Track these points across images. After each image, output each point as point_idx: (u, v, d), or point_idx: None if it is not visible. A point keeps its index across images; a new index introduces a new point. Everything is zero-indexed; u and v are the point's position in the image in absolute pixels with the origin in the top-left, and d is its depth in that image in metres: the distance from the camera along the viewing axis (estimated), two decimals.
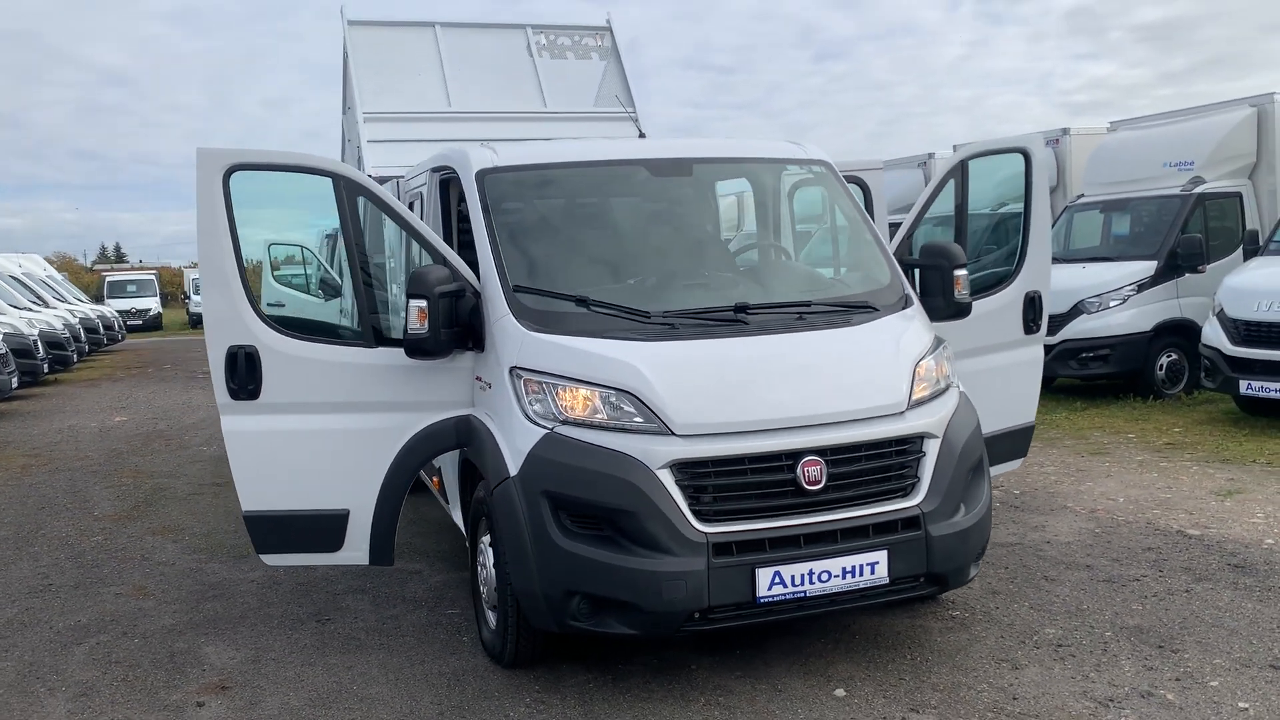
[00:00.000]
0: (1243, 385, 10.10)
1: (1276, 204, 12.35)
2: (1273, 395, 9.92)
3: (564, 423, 4.56)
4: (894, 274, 5.49)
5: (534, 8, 63.58)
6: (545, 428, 4.58)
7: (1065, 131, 15.43)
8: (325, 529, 5.20)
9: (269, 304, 18.42)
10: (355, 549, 5.24)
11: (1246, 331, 10.10)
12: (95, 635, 5.78)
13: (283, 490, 5.15)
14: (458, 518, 6.03)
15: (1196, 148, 12.67)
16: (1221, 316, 10.41)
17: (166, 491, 9.63)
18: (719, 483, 4.43)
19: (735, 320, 4.93)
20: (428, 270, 4.94)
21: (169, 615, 6.07)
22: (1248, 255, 11.61)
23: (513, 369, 4.78)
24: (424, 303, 4.88)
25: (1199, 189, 12.32)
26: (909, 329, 5.12)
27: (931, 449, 4.75)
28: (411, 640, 5.49)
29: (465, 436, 5.15)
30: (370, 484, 5.16)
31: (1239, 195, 12.53)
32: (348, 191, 5.11)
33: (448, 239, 5.97)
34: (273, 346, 5.05)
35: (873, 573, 4.52)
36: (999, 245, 11.52)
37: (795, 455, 4.48)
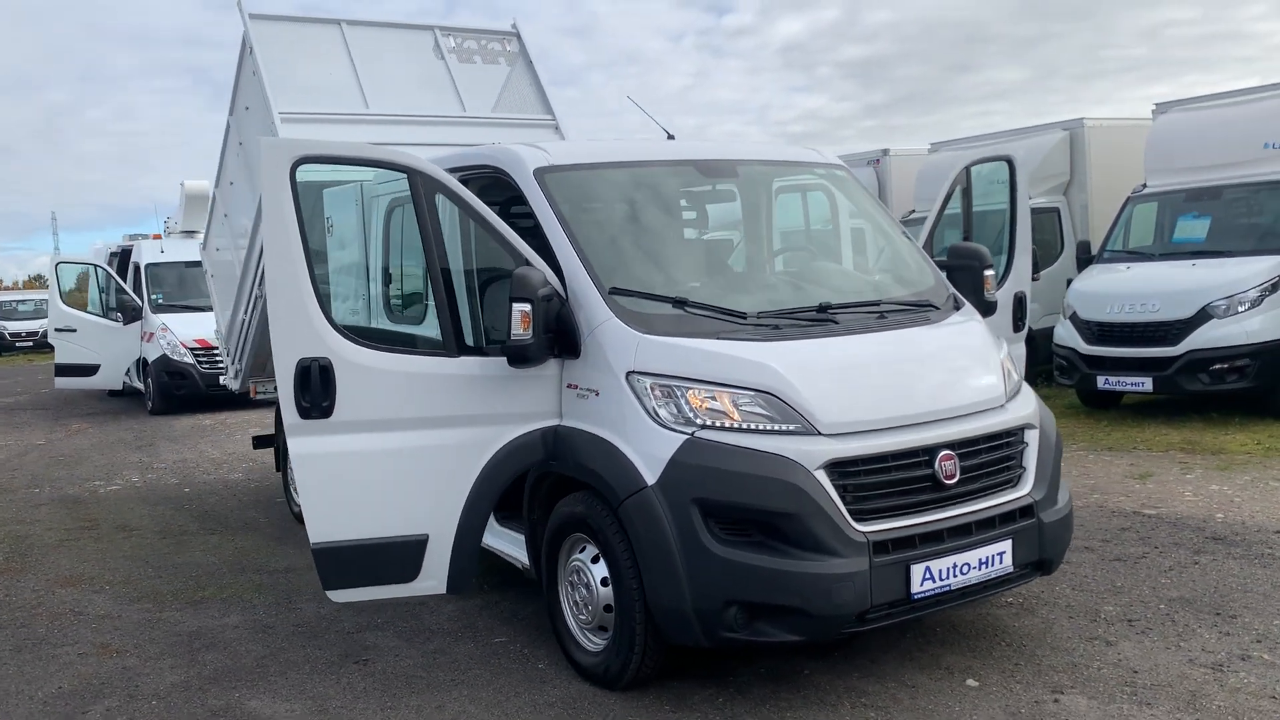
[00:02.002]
0: (1099, 380, 11.04)
1: None
2: (1124, 388, 10.92)
3: (703, 427, 4.38)
4: (936, 275, 5.63)
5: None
6: (684, 433, 4.38)
7: (885, 152, 16.34)
8: (402, 558, 4.74)
9: (57, 329, 16.83)
10: (432, 577, 4.80)
11: (1100, 331, 11.04)
12: (96, 702, 5.00)
13: (357, 518, 4.66)
14: (501, 544, 5.65)
15: None
16: (1074, 318, 11.35)
17: (30, 540, 8.47)
18: (868, 481, 4.38)
19: (826, 319, 4.91)
20: (529, 273, 4.61)
21: (170, 673, 5.34)
22: None
23: (630, 374, 4.55)
24: (528, 307, 4.56)
25: None
26: (981, 326, 5.27)
27: (1032, 439, 4.90)
28: (483, 673, 5.09)
29: (555, 449, 4.85)
30: (452, 506, 4.76)
31: None
32: (426, 189, 4.70)
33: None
34: (348, 358, 4.57)
35: (1001, 562, 4.61)
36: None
37: (932, 450, 4.50)
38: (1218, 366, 10.39)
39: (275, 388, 9.63)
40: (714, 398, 4.44)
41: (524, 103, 9.39)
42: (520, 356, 4.62)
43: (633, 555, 4.49)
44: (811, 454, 4.29)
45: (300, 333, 4.50)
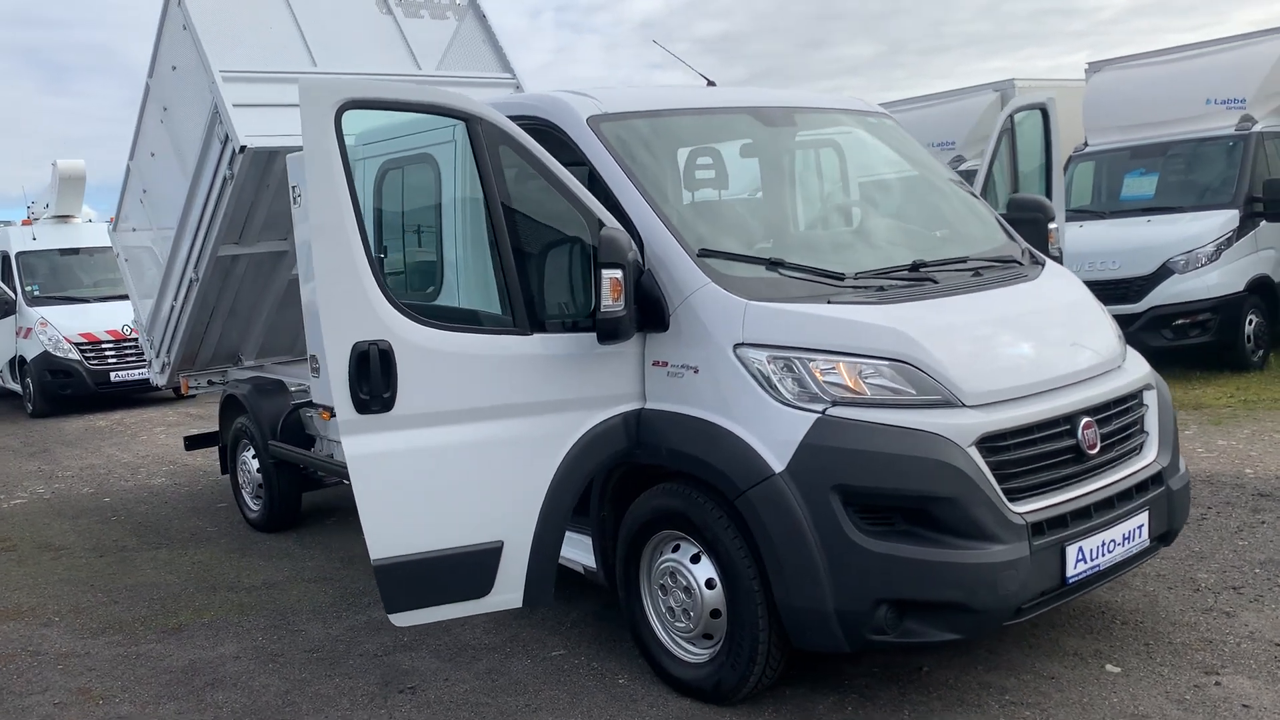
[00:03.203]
0: None
1: None
2: None
3: (835, 404, 3.84)
4: (1006, 229, 5.21)
5: None
6: (813, 411, 3.83)
7: None
8: (475, 570, 4.07)
9: None
10: (508, 590, 4.15)
11: None
12: None
13: (424, 527, 3.97)
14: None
15: (1244, 82, 11.24)
16: None
17: None
18: (1018, 456, 3.91)
19: (924, 279, 4.42)
20: (618, 235, 3.98)
21: (178, 719, 4.54)
22: None
23: (739, 345, 3.97)
24: (619, 273, 3.94)
25: (1256, 128, 11.05)
26: (1080, 282, 4.88)
27: (1152, 401, 4.53)
28: (559, 695, 4.46)
29: (640, 436, 4.25)
30: (528, 506, 4.11)
31: None
32: (489, 139, 4.02)
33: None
34: (410, 340, 3.87)
35: (1140, 536, 4.23)
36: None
37: (1073, 418, 4.07)
38: (1181, 321, 10.37)
39: (211, 381, 8.87)
40: (834, 369, 3.90)
41: (476, 60, 8.62)
42: (612, 331, 3.99)
43: (751, 553, 3.94)
44: (963, 428, 3.79)
45: (355, 311, 3.78)
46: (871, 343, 3.91)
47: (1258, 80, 11.29)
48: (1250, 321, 10.61)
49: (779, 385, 3.88)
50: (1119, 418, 4.29)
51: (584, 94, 4.69)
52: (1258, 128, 11.15)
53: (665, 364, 4.20)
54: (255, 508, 7.69)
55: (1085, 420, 4.09)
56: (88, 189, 17.12)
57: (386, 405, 3.83)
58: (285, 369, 8.52)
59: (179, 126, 7.85)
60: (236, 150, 6.88)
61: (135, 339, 14.83)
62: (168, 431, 12.60)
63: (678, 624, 4.29)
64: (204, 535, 7.70)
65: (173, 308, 8.35)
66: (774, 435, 3.85)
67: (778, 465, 3.81)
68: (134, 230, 9.09)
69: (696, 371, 4.08)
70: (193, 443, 8.86)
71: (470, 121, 4.00)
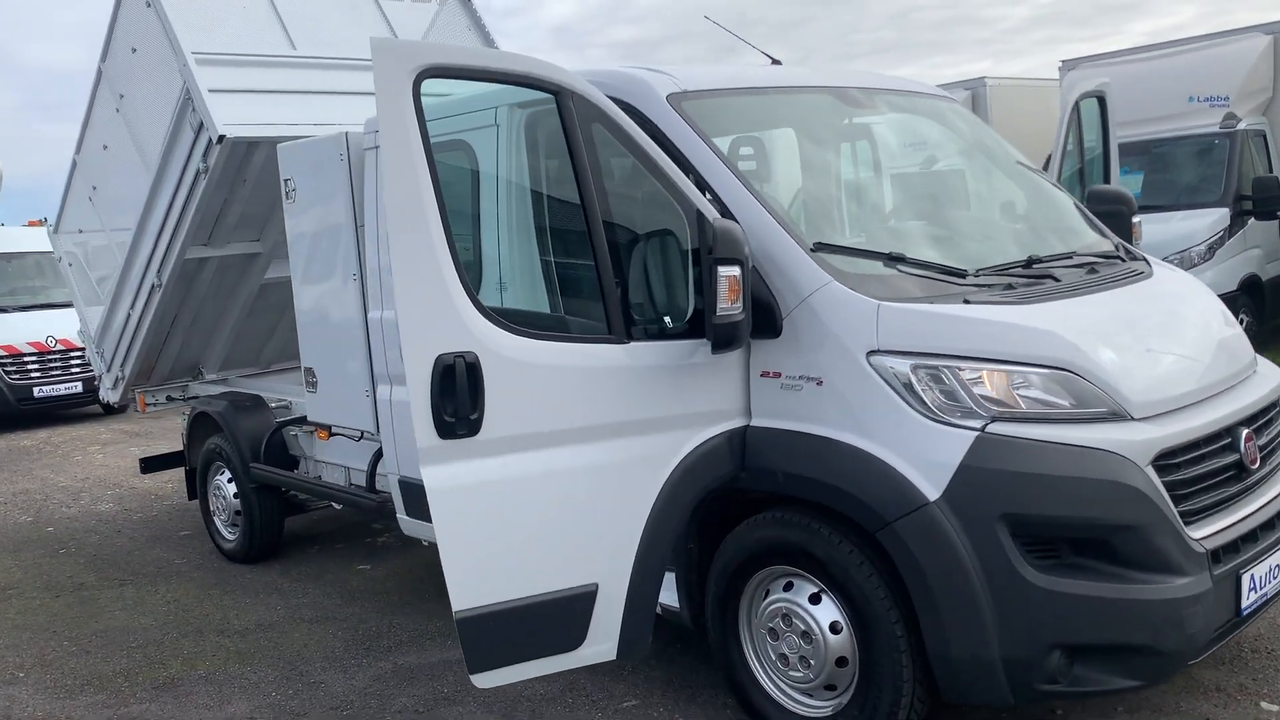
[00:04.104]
0: None
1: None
2: None
3: (995, 419, 3.34)
4: (1094, 222, 4.80)
5: None
6: (970, 428, 3.33)
7: None
8: (567, 618, 3.50)
9: None
10: (602, 640, 3.58)
11: None
12: None
13: (513, 571, 3.39)
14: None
15: (1225, 81, 11.08)
16: None
17: None
18: (1189, 474, 3.47)
19: (1044, 275, 3.97)
20: (733, 227, 3.44)
21: None
22: None
23: (873, 353, 3.46)
24: (737, 270, 3.39)
25: (1240, 126, 10.87)
26: (1195, 280, 4.49)
27: None
28: None
29: (747, 458, 3.72)
30: (625, 540, 3.55)
31: (1263, 134, 11.28)
32: (581, 116, 3.44)
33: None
34: (499, 352, 3.28)
35: None
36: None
37: (1233, 430, 3.65)
38: None
39: (170, 397, 8.06)
40: (980, 380, 3.41)
41: (459, 44, 7.98)
42: (729, 337, 3.45)
43: (891, 592, 3.43)
44: (1139, 445, 3.33)
45: (439, 318, 3.19)
46: (1028, 349, 3.43)
47: (1240, 77, 11.18)
48: (1241, 321, 10.45)
49: (926, 398, 3.38)
50: (1269, 427, 3.88)
51: (658, 70, 4.14)
52: (1242, 125, 11.02)
53: (777, 375, 3.66)
54: (231, 537, 6.95)
55: (1245, 432, 3.66)
56: None
57: (473, 428, 3.24)
58: (253, 383, 7.80)
59: (139, 116, 7.08)
60: (214, 140, 6.17)
61: (61, 350, 13.85)
62: (104, 451, 11.65)
63: (792, 673, 3.75)
64: (173, 569, 6.93)
65: (129, 316, 7.55)
66: (924, 456, 3.34)
67: (932, 492, 3.30)
68: (80, 232, 8.24)
69: (820, 384, 3.55)
70: (150, 465, 8.06)
71: (561, 95, 3.42)
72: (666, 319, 3.62)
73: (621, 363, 3.48)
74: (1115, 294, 3.96)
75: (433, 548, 5.48)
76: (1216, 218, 10.42)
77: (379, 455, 5.51)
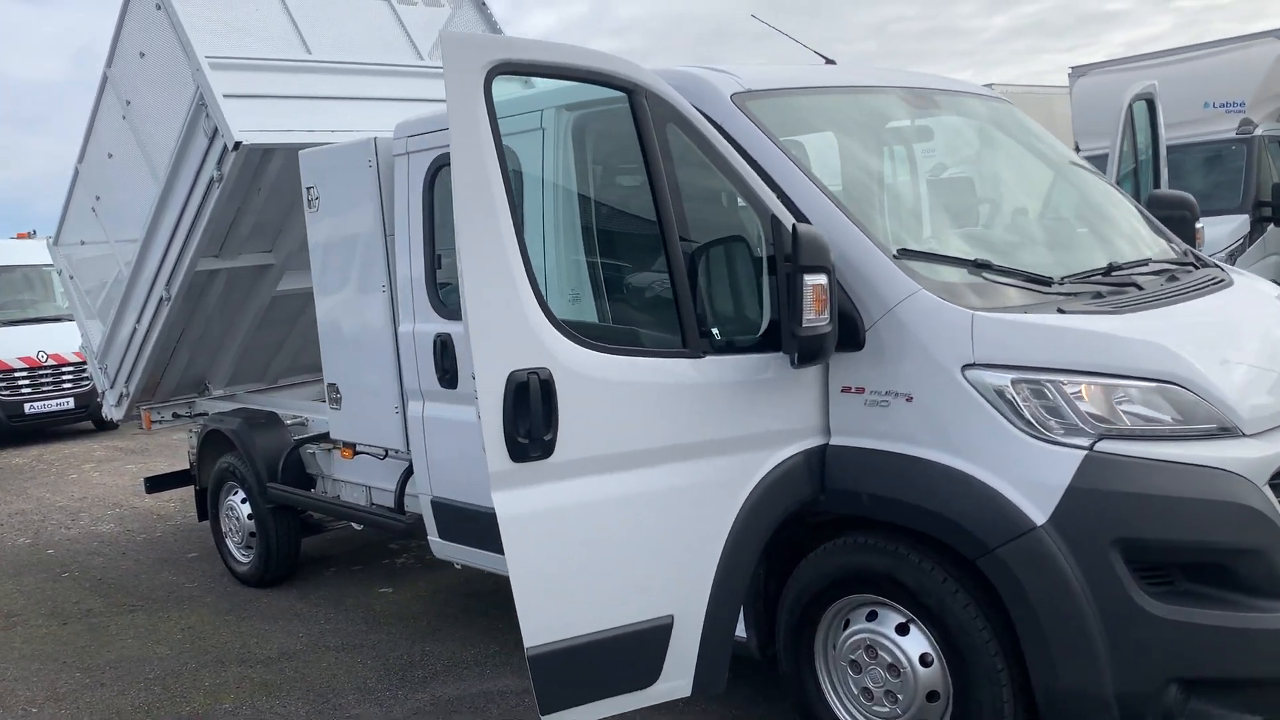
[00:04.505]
0: None
1: None
2: None
3: (1103, 437, 3.13)
4: (1159, 227, 4.60)
5: None
6: (1078, 446, 3.11)
7: None
8: (641, 653, 3.27)
9: None
10: (677, 676, 3.34)
11: None
12: None
13: (587, 603, 3.15)
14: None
15: (1241, 86, 10.96)
16: None
17: None
18: None
19: (1127, 283, 3.77)
20: (817, 232, 3.22)
21: None
22: None
23: (969, 366, 3.24)
24: (824, 278, 3.17)
25: (1257, 131, 10.78)
26: (1274, 286, 4.31)
27: None
28: None
29: (827, 479, 3.49)
30: (702, 568, 3.33)
31: None
32: (656, 116, 3.22)
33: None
34: (572, 367, 3.06)
35: None
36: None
37: None
38: None
39: (176, 414, 7.79)
40: (1080, 395, 3.20)
41: None
42: (815, 350, 3.23)
43: (990, 622, 3.20)
44: (1255, 463, 3.13)
45: (512, 331, 2.96)
46: (1132, 361, 3.22)
47: (1256, 83, 11.08)
48: None
49: (1028, 415, 3.16)
50: None
51: (718, 69, 3.93)
52: (1259, 130, 10.91)
53: (861, 390, 3.44)
54: (244, 559, 6.68)
55: None
56: None
57: (546, 450, 3.00)
58: (264, 398, 7.54)
59: (147, 122, 6.82)
60: (230, 147, 5.92)
61: (53, 366, 13.54)
62: (100, 469, 11.33)
63: (877, 709, 3.52)
64: (184, 593, 6.65)
65: (135, 330, 7.28)
66: (1027, 477, 3.12)
67: (1038, 515, 3.08)
68: (82, 244, 7.96)
69: (909, 399, 3.33)
70: (156, 484, 7.77)
71: (635, 94, 3.21)
72: (741, 332, 3.40)
73: (696, 379, 3.26)
74: (1203, 303, 3.76)
75: (466, 571, 5.27)
76: (1236, 225, 10.30)
77: (407, 474, 5.27)
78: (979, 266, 3.54)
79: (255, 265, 7.02)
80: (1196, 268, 4.24)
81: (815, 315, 3.16)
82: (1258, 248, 10.35)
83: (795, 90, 3.99)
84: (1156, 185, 5.69)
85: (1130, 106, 5.49)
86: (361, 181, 5.16)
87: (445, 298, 4.80)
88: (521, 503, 3.01)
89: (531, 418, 2.96)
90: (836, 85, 4.17)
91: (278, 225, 6.85)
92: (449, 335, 4.70)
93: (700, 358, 3.27)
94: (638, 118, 3.21)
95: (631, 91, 3.20)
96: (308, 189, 5.55)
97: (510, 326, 2.95)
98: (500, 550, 4.52)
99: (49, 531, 8.67)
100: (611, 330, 3.49)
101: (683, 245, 3.26)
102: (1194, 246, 4.75)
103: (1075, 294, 3.57)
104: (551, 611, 3.08)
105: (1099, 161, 11.41)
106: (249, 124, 6.02)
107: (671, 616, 3.28)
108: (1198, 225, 4.82)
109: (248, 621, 5.99)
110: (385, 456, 5.47)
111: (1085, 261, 3.95)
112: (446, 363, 4.74)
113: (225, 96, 6.04)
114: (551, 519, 3.06)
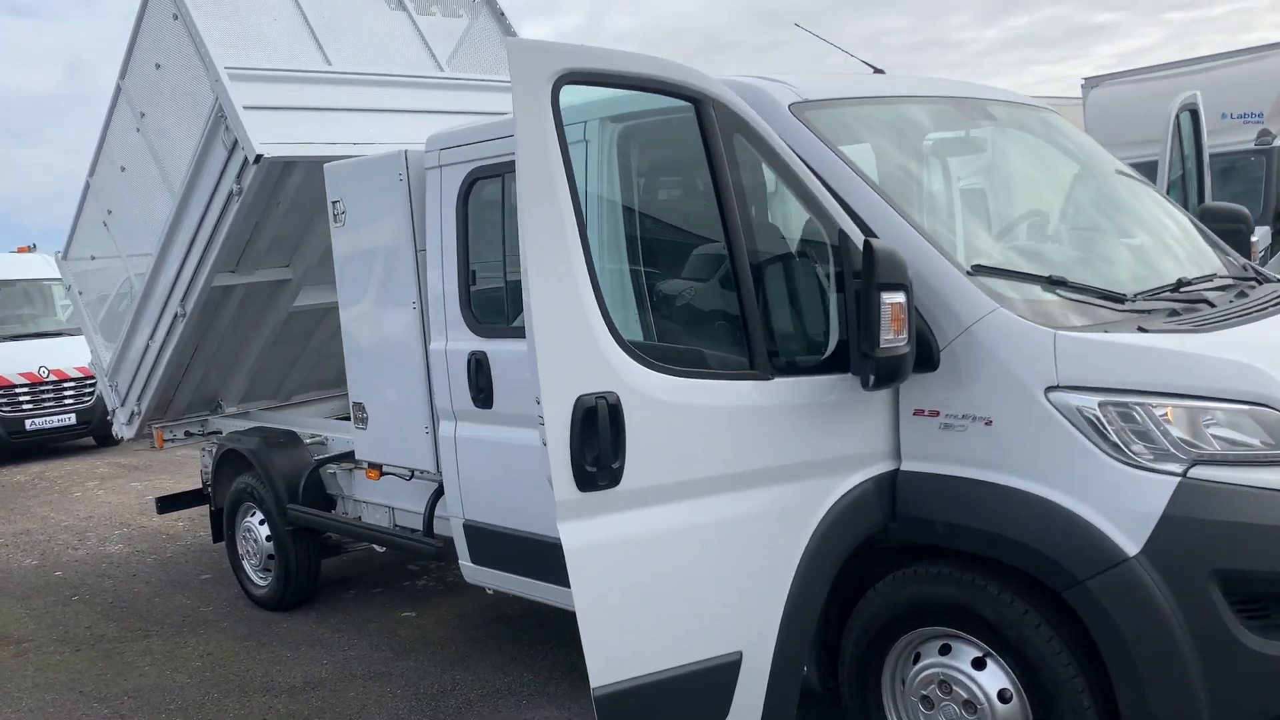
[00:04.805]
0: None
1: None
2: None
3: (1196, 463, 2.98)
4: (1215, 240, 4.47)
5: None
6: (1170, 473, 2.97)
7: None
8: (710, 691, 3.12)
9: None
10: (744, 715, 3.19)
11: None
12: None
13: (655, 639, 3.00)
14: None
15: (1259, 96, 10.93)
16: None
17: None
18: None
19: (1199, 300, 3.63)
20: (893, 248, 3.07)
21: None
22: None
23: (1052, 388, 3.10)
24: (902, 296, 3.03)
25: (1276, 142, 10.70)
26: None
27: None
28: None
29: (897, 507, 3.34)
30: (771, 602, 3.18)
31: None
32: (723, 127, 3.08)
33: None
34: (641, 390, 2.90)
35: None
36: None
37: None
38: None
39: (189, 432, 7.61)
40: (1167, 418, 3.05)
41: (493, 62, 7.61)
42: (893, 371, 3.08)
43: (1075, 656, 3.05)
44: None
45: (579, 353, 2.81)
46: (1220, 382, 3.07)
47: (1274, 93, 11.04)
48: None
49: (1116, 439, 3.01)
50: None
51: (772, 78, 3.78)
52: (1278, 142, 10.82)
53: (935, 413, 3.29)
54: (263, 582, 6.50)
55: None
56: None
57: (614, 479, 2.85)
58: (279, 416, 7.38)
59: (162, 135, 6.67)
60: (250, 160, 5.76)
61: (54, 381, 13.34)
62: (104, 486, 11.13)
63: None
64: (199, 618, 6.47)
65: (148, 347, 7.10)
66: (1118, 505, 2.98)
67: (1130, 546, 2.93)
68: (92, 259, 7.80)
69: (988, 423, 3.18)
70: (167, 504, 7.59)
71: (701, 104, 3.07)
72: (806, 352, 3.26)
73: (762, 402, 3.11)
74: (1274, 321, 3.61)
75: (494, 596, 5.10)
76: (1258, 237, 10.17)
77: (437, 496, 5.10)
78: (1053, 283, 3.40)
79: (272, 280, 6.86)
80: (1259, 283, 4.11)
81: (894, 335, 3.02)
82: (1279, 261, 10.23)
83: (852, 100, 3.85)
84: (1201, 196, 5.56)
85: (1177, 116, 5.36)
86: (391, 195, 5.01)
87: (480, 314, 4.65)
88: (588, 534, 2.86)
89: (600, 444, 2.80)
90: (892, 95, 4.03)
91: (296, 240, 6.70)
92: (484, 353, 4.55)
93: (769, 380, 3.12)
94: (705, 129, 3.06)
95: (699, 101, 3.05)
96: (333, 203, 5.40)
97: (578, 348, 2.81)
98: (538, 576, 4.48)
99: (56, 552, 8.48)
100: (676, 351, 3.33)
101: (751, 259, 3.11)
102: (1250, 259, 4.62)
103: (1150, 311, 3.44)
104: (619, 648, 2.93)
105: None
106: (270, 136, 5.87)
107: (740, 653, 3.13)
108: (1253, 238, 4.68)
109: (268, 648, 5.81)
110: (411, 477, 5.31)
111: (1152, 277, 3.81)
112: (481, 381, 4.58)
113: (246, 108, 5.88)
114: (619, 551, 2.91)
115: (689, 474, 3.02)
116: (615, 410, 2.84)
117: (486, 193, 4.60)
